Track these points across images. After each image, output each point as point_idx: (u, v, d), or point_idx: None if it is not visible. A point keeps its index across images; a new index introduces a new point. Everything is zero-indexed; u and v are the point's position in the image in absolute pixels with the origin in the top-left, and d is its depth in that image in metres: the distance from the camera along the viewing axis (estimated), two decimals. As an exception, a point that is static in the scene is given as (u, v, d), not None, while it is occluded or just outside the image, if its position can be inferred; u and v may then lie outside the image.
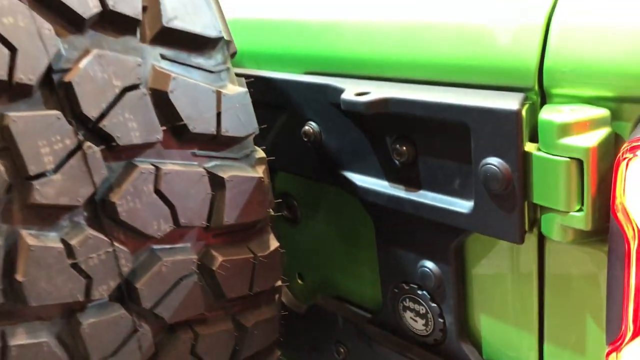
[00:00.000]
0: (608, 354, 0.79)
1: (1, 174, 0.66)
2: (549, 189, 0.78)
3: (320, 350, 1.28)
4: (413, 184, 0.96)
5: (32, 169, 0.68)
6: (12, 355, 0.69)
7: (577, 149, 0.74)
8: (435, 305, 1.02)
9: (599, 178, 0.75)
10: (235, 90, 0.85)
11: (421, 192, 0.95)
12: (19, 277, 0.68)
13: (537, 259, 0.89)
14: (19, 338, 0.70)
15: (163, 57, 0.80)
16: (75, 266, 0.72)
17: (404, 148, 0.94)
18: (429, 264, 1.00)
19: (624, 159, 0.70)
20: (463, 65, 0.86)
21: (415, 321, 1.07)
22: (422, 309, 1.05)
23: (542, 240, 0.88)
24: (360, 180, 1.02)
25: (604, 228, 0.77)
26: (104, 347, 0.76)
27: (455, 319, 1.01)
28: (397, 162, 0.96)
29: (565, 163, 0.75)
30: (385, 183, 1.00)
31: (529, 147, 0.79)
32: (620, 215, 0.71)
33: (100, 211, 0.75)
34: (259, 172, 0.89)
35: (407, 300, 1.06)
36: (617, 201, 0.71)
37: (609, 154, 0.75)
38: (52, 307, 0.73)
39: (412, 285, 1.05)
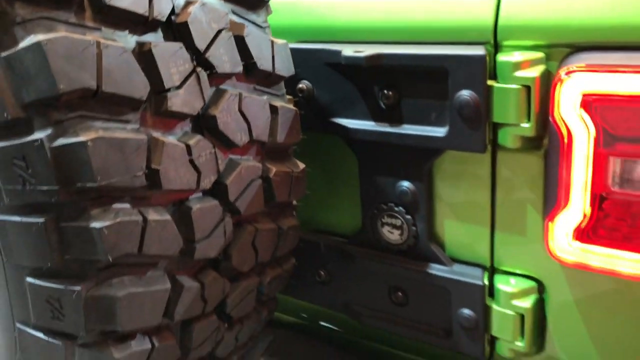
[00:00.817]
0: (546, 223, 1.14)
1: (146, 86, 0.88)
2: (505, 109, 1.11)
3: (302, 276, 1.52)
4: (397, 121, 1.25)
5: (167, 84, 0.90)
6: (151, 226, 0.89)
7: (526, 78, 1.07)
8: (409, 216, 1.32)
9: (540, 98, 1.09)
10: (280, 41, 1.12)
11: (404, 125, 1.24)
12: (155, 165, 0.89)
13: (491, 168, 1.23)
14: (153, 216, 0.91)
15: (233, 12, 1.04)
16: (191, 162, 0.94)
17: (390, 93, 1.24)
18: (406, 184, 1.30)
19: (558, 81, 1.06)
20: (437, 27, 1.19)
21: (392, 233, 1.36)
22: (398, 222, 1.34)
23: (494, 153, 1.21)
24: (350, 123, 1.29)
25: (542, 135, 1.13)
26: (204, 229, 0.98)
27: (425, 225, 1.30)
28: (383, 105, 1.26)
29: (518, 89, 1.08)
30: (372, 123, 1.27)
31: (490, 82, 1.13)
32: (557, 119, 1.07)
33: (203, 123, 0.98)
34: (292, 106, 1.16)
35: (385, 217, 1.36)
36: (555, 112, 1.07)
37: (545, 83, 1.09)
38: (168, 195, 0.94)
39: (390, 204, 1.35)
